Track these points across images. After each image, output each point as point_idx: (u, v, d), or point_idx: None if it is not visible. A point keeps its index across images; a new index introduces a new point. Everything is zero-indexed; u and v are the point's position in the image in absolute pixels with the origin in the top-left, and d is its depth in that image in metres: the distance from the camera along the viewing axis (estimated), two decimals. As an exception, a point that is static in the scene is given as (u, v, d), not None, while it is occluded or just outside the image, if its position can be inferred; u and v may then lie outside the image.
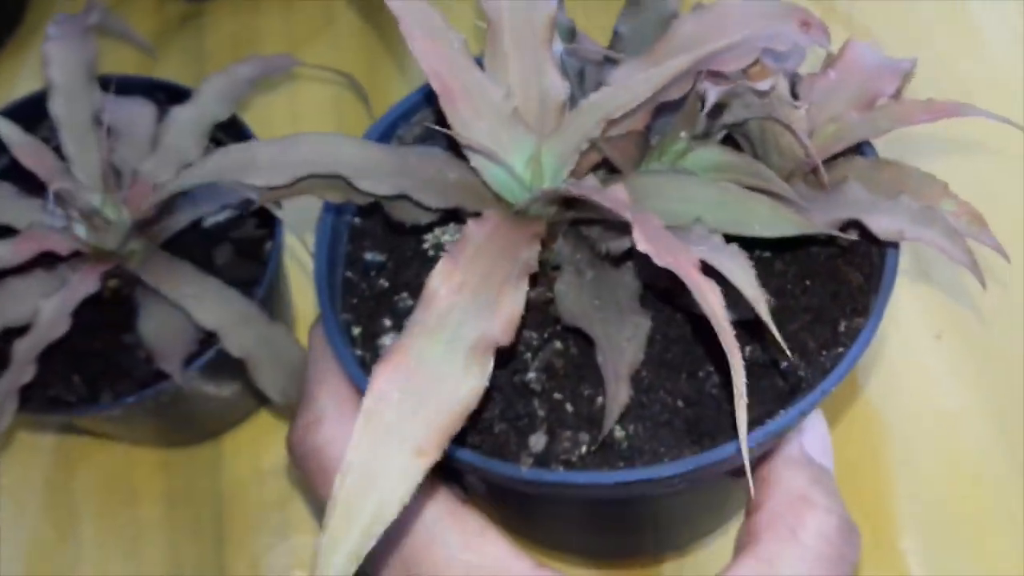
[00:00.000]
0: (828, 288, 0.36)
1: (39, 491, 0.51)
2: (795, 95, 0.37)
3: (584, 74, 0.38)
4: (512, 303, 0.28)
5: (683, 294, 0.29)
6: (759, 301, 0.27)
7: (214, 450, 0.52)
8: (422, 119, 0.41)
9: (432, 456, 0.25)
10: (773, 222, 0.30)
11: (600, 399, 0.35)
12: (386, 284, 0.40)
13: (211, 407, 0.49)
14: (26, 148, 0.42)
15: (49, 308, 0.40)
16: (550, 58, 0.33)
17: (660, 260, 0.26)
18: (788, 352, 0.29)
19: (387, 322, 0.40)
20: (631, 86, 0.30)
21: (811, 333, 0.35)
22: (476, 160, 0.32)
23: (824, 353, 0.34)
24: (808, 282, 0.36)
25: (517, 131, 0.32)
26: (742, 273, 0.28)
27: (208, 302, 0.40)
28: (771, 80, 0.31)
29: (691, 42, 0.33)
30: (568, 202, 0.32)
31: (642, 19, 0.38)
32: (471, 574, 0.33)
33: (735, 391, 0.25)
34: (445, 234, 0.40)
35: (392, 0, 0.30)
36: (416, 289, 0.40)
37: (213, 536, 0.50)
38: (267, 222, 0.47)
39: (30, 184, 0.44)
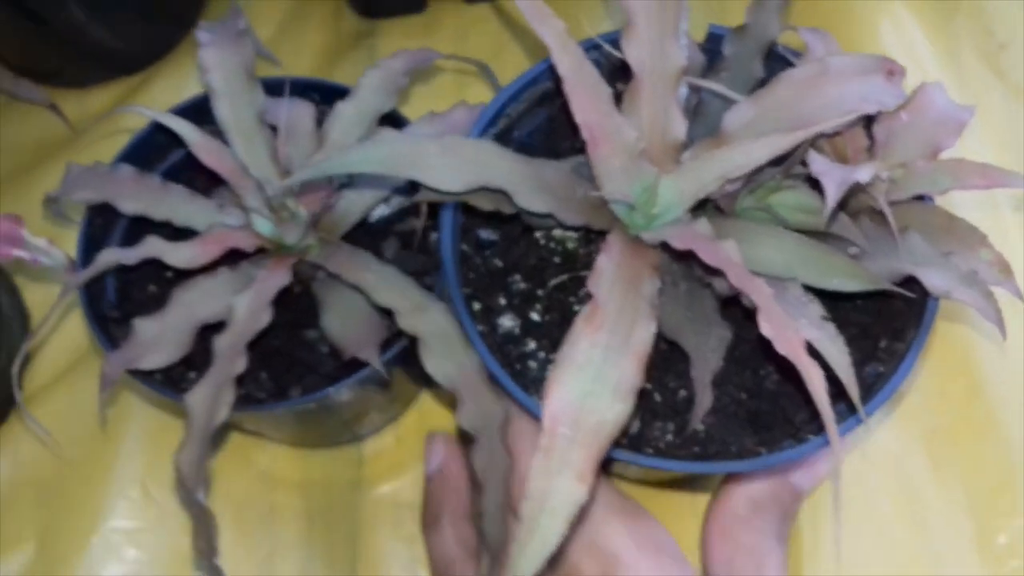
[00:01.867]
0: (872, 307, 0.42)
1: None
2: (870, 133, 0.41)
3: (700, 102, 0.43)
4: (642, 343, 0.34)
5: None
6: (851, 385, 0.34)
7: (355, 469, 0.54)
8: (529, 96, 0.46)
9: (589, 481, 0.31)
10: (850, 279, 0.36)
11: (682, 392, 0.42)
12: (499, 263, 0.44)
13: (368, 406, 0.51)
14: (205, 147, 0.43)
15: (243, 303, 0.41)
16: (676, 102, 0.39)
17: (781, 347, 0.32)
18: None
19: (502, 301, 0.43)
20: (751, 151, 0.36)
21: (856, 347, 0.39)
22: (608, 189, 0.39)
23: (866, 368, 0.40)
24: (857, 300, 0.41)
25: (642, 167, 0.39)
26: (840, 358, 0.35)
27: (387, 288, 0.42)
28: (872, 168, 0.35)
29: (796, 100, 0.39)
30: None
31: (745, 44, 0.43)
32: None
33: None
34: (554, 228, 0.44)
35: (561, 63, 0.36)
36: (527, 273, 0.44)
37: (346, 560, 0.52)
38: (421, 213, 0.46)
39: (193, 185, 0.46)
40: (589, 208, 0.40)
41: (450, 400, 0.52)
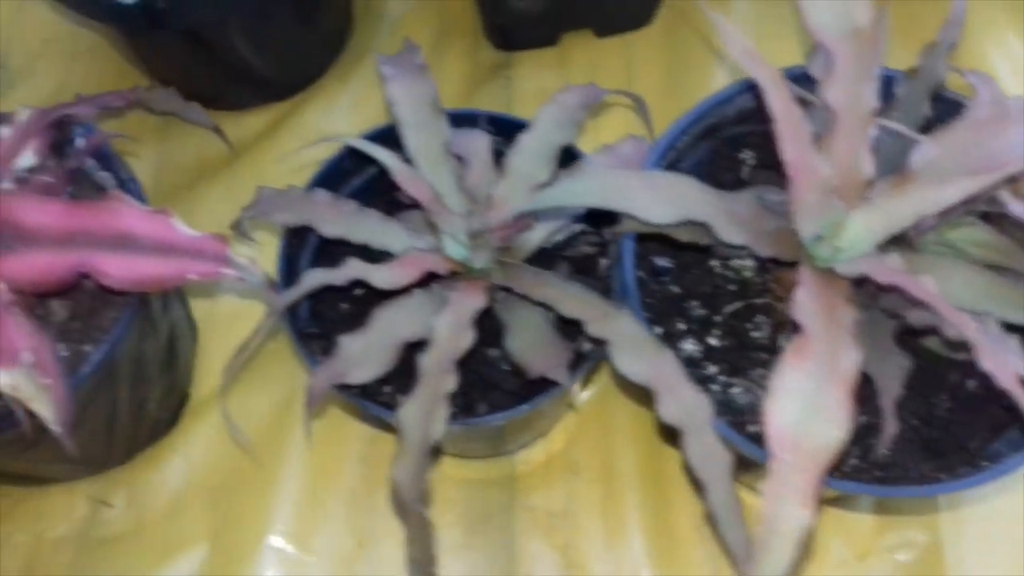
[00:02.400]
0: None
1: (344, 500, 0.56)
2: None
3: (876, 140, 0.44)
4: (848, 370, 0.36)
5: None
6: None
7: (508, 481, 0.56)
8: (693, 132, 0.49)
9: (812, 508, 0.34)
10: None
11: (862, 418, 0.44)
12: (676, 290, 0.47)
13: (535, 422, 0.53)
14: (405, 175, 0.46)
15: (444, 323, 0.43)
16: (866, 141, 0.42)
17: (1002, 382, 0.34)
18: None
19: (682, 326, 0.46)
20: (943, 192, 0.38)
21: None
22: (801, 223, 0.41)
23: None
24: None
25: (832, 202, 0.41)
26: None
27: (573, 300, 0.43)
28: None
29: (979, 141, 0.41)
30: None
31: (915, 86, 0.46)
32: None
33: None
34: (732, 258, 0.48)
35: (774, 105, 0.39)
36: (704, 299, 0.47)
37: (505, 564, 0.54)
38: (600, 242, 0.51)
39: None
40: (778, 240, 0.42)
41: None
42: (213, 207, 0.64)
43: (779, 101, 0.39)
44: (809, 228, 0.41)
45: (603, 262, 0.51)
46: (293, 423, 0.58)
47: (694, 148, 0.50)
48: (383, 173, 0.54)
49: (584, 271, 0.51)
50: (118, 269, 0.44)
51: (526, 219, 0.45)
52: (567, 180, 0.40)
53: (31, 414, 0.42)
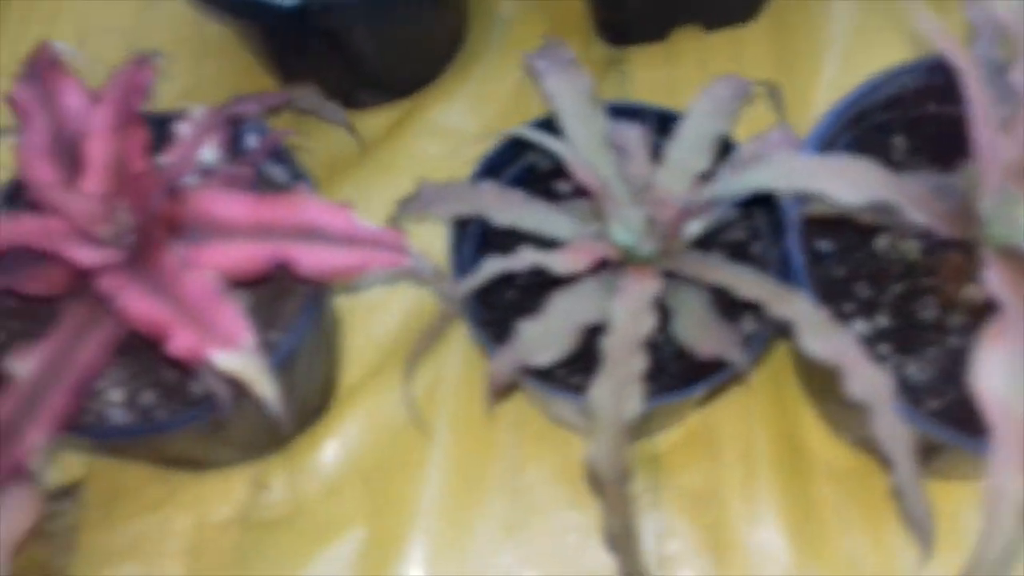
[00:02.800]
0: None
1: (494, 482, 0.57)
2: None
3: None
4: None
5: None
6: None
7: (653, 462, 0.57)
8: (842, 120, 0.51)
9: None
10: None
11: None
12: (841, 272, 0.49)
13: (687, 404, 0.55)
14: (578, 164, 0.48)
15: (621, 308, 0.45)
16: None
17: None
18: None
19: (849, 307, 0.48)
20: None
21: None
22: (984, 205, 0.43)
23: None
24: None
25: (1015, 182, 0.43)
26: None
27: (749, 283, 0.45)
28: None
29: None
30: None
31: None
32: None
33: None
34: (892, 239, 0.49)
35: (969, 87, 0.40)
36: (870, 281, 0.49)
37: (654, 547, 0.55)
38: (751, 227, 0.52)
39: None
40: (952, 221, 0.44)
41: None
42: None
43: (973, 84, 0.41)
44: (993, 208, 0.42)
45: (756, 246, 0.53)
46: (439, 408, 0.59)
47: (843, 135, 0.52)
48: (533, 166, 0.56)
49: (738, 256, 0.52)
50: (309, 259, 0.46)
51: (700, 206, 0.47)
52: (758, 167, 0.42)
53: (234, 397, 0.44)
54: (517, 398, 0.60)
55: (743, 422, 0.59)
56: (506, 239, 0.53)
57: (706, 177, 0.50)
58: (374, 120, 0.70)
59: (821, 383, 0.54)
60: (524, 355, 0.46)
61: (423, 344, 0.47)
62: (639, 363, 0.44)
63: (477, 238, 0.54)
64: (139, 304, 0.42)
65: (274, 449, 0.59)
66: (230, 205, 0.46)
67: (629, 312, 0.46)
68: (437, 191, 0.52)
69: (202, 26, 0.75)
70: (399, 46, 0.66)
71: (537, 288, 0.51)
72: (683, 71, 0.71)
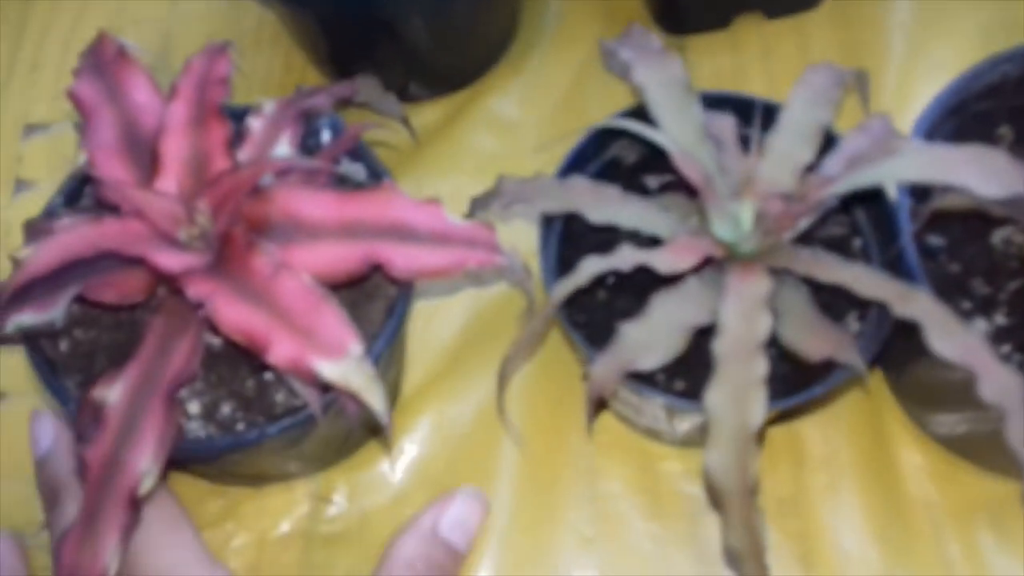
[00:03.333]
0: None
1: (564, 491, 0.55)
2: None
3: None
4: None
5: None
6: None
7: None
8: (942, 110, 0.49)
9: None
10: None
11: None
12: (955, 268, 0.46)
13: None
14: (683, 158, 0.45)
15: (731, 308, 0.43)
16: None
17: None
18: None
19: (967, 304, 0.46)
20: None
21: None
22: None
23: None
24: None
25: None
26: None
27: (868, 281, 0.42)
28: None
29: None
30: None
31: None
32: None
33: None
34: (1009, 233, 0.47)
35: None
36: (986, 277, 0.46)
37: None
38: (850, 222, 0.50)
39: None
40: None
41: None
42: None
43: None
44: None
45: (856, 241, 0.50)
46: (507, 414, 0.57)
47: (944, 125, 0.50)
48: (616, 160, 0.54)
49: (837, 251, 0.49)
50: (403, 260, 0.43)
51: (814, 201, 0.44)
52: (890, 158, 0.40)
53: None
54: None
55: (826, 425, 0.57)
56: (590, 237, 0.50)
57: (811, 169, 0.48)
58: (428, 113, 0.67)
59: (918, 382, 0.52)
60: (628, 359, 0.44)
61: (522, 349, 0.45)
62: (760, 367, 0.41)
63: (559, 236, 0.51)
64: (233, 312, 0.39)
65: (336, 460, 0.56)
66: (315, 203, 0.43)
67: (741, 312, 0.43)
68: (520, 187, 0.49)
69: (239, 17, 0.72)
70: (454, 37, 0.64)
71: (631, 288, 0.49)
72: (747, 59, 0.68)
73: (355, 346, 0.39)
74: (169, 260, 0.40)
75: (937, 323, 0.41)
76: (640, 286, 0.48)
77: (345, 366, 0.39)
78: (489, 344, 0.58)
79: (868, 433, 0.56)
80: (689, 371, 0.47)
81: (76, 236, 0.40)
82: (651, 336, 0.44)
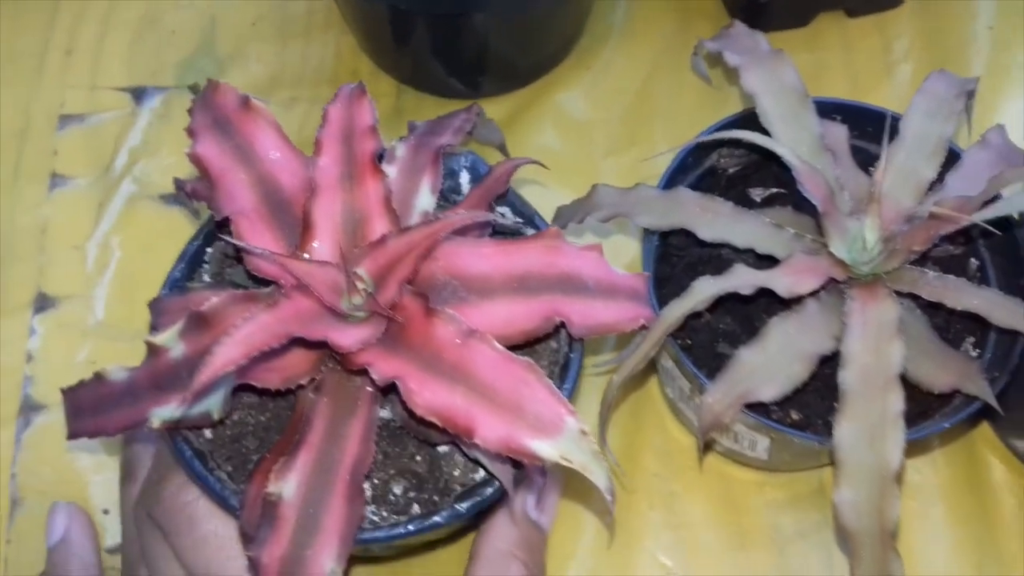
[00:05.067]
0: None
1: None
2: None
3: None
4: None
5: None
6: None
7: (818, 490, 0.52)
8: None
9: None
10: None
11: None
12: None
13: None
14: (807, 173, 0.42)
15: (858, 335, 0.40)
16: None
17: None
18: None
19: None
20: None
21: None
22: None
23: None
24: None
25: None
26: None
27: (1001, 309, 0.40)
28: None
29: None
30: None
31: None
32: None
33: None
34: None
35: None
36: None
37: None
38: (966, 240, 0.47)
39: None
40: None
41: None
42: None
43: None
44: None
45: (972, 263, 0.47)
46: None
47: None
48: (715, 169, 0.50)
49: (951, 273, 0.46)
50: (579, 316, 0.39)
51: (948, 223, 0.41)
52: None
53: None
54: (663, 422, 0.54)
55: (915, 449, 0.54)
56: (689, 253, 0.47)
57: (932, 187, 0.45)
58: (492, 110, 0.62)
59: (1020, 407, 0.49)
60: (746, 388, 0.41)
61: (630, 374, 0.41)
62: (895, 401, 0.39)
63: (656, 251, 0.48)
64: (427, 392, 0.35)
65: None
66: (479, 257, 0.39)
67: (869, 340, 0.40)
68: (620, 198, 0.46)
69: (285, 6, 0.68)
70: (521, 31, 0.60)
71: (734, 309, 0.46)
72: (827, 58, 0.65)
73: (572, 421, 0.35)
74: (345, 337, 0.36)
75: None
76: (746, 307, 0.45)
77: (564, 444, 0.34)
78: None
79: (961, 458, 0.53)
80: (803, 400, 0.44)
81: (259, 327, 0.35)
82: (769, 364, 0.41)
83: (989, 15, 0.66)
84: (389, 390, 0.38)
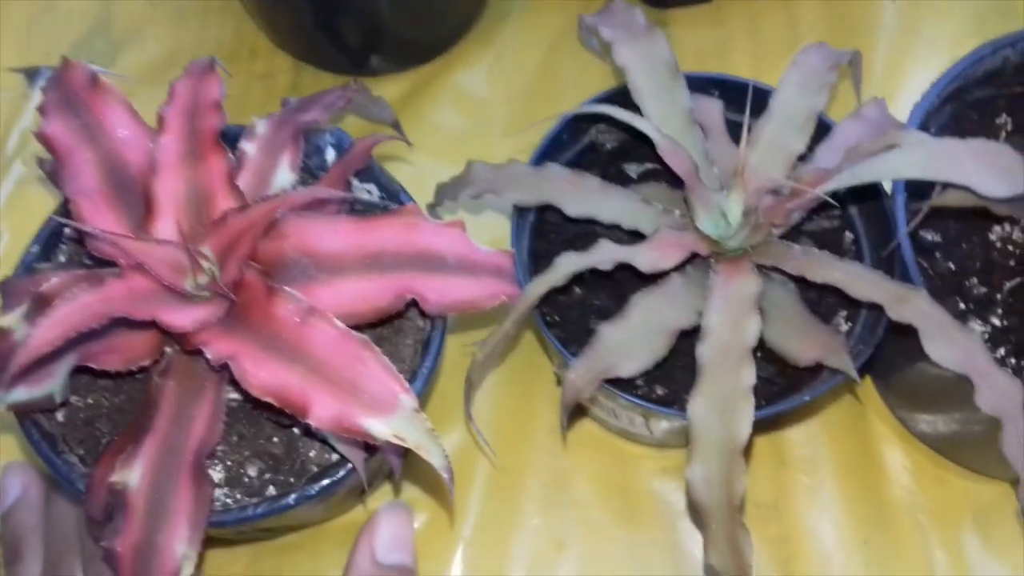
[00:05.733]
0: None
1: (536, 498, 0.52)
2: None
3: None
4: None
5: None
6: None
7: None
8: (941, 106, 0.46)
9: None
10: None
11: None
12: (950, 266, 0.44)
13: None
14: (669, 148, 0.41)
15: (717, 309, 0.40)
16: None
17: None
18: None
19: (961, 305, 0.43)
20: None
21: None
22: None
23: None
24: None
25: None
26: None
27: (863, 282, 0.40)
28: None
29: None
30: None
31: None
32: None
33: None
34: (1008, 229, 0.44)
35: None
36: (982, 276, 0.44)
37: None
38: (840, 215, 0.47)
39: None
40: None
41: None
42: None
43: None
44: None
45: (847, 236, 0.47)
46: (475, 417, 0.53)
47: (939, 112, 0.47)
48: (595, 145, 0.50)
49: (827, 247, 0.46)
50: (435, 294, 0.39)
51: (807, 195, 0.41)
52: (893, 153, 0.36)
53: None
54: (554, 399, 0.54)
55: (808, 425, 0.54)
56: (565, 229, 0.47)
57: (802, 159, 0.45)
58: (387, 88, 0.62)
59: (906, 382, 0.50)
60: (607, 365, 0.41)
61: (493, 353, 0.41)
62: (747, 375, 0.38)
63: (532, 228, 0.47)
64: (263, 371, 0.34)
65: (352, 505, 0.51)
66: (333, 234, 0.39)
67: (728, 314, 0.40)
68: (492, 174, 0.45)
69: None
70: (418, 6, 0.59)
71: (609, 284, 0.46)
72: (732, 35, 0.65)
73: (407, 398, 0.35)
74: (180, 317, 0.35)
75: (935, 328, 0.38)
76: (619, 282, 0.45)
77: (398, 422, 0.34)
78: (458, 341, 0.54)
79: (852, 433, 0.53)
80: (670, 375, 0.44)
81: (78, 307, 0.34)
82: (631, 339, 0.41)
83: (898, -10, 0.66)
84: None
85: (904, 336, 0.39)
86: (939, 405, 0.48)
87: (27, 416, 0.39)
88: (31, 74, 0.63)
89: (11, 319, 0.37)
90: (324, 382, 0.35)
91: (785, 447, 0.53)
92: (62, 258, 0.44)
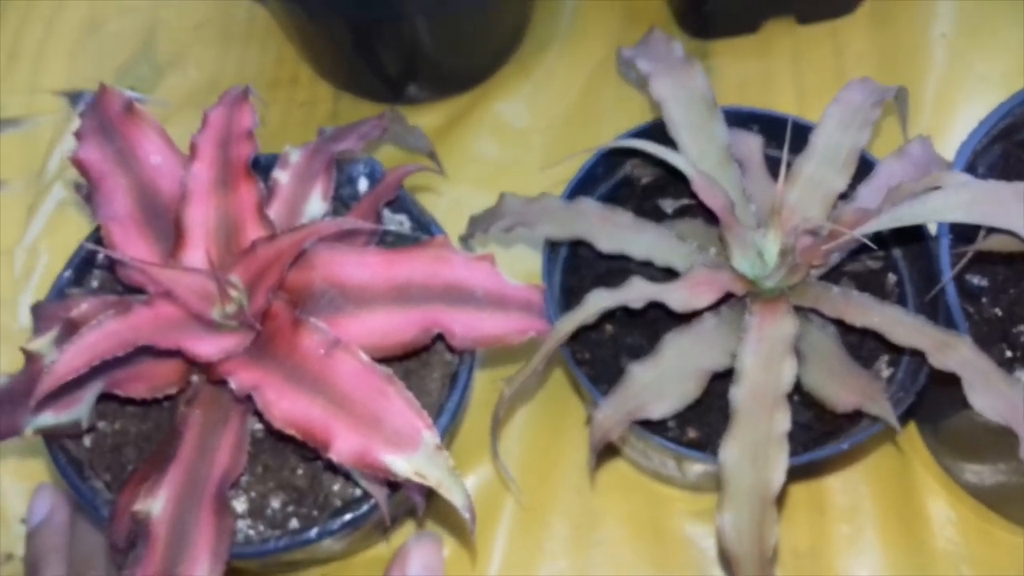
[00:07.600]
0: None
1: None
2: None
3: None
4: None
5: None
6: None
7: None
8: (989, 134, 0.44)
9: None
10: None
11: None
12: (997, 312, 0.42)
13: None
14: (703, 184, 0.41)
15: (751, 351, 0.39)
16: None
17: None
18: None
19: (1008, 352, 0.41)
20: None
21: None
22: None
23: None
24: None
25: None
26: None
27: (904, 327, 0.39)
28: None
29: None
30: None
31: None
32: None
33: None
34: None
35: None
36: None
37: None
38: (884, 256, 0.46)
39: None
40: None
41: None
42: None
43: None
44: None
45: (891, 278, 0.46)
46: (504, 456, 0.52)
47: (988, 151, 0.45)
48: (630, 179, 0.49)
49: (869, 289, 0.45)
50: (462, 327, 0.39)
51: (845, 237, 0.40)
52: (935, 194, 0.35)
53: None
54: (584, 438, 0.52)
55: (848, 471, 0.52)
56: (598, 264, 0.46)
57: (844, 197, 0.43)
58: (425, 117, 0.62)
59: (951, 430, 0.48)
60: (637, 405, 0.39)
61: (523, 389, 0.40)
62: (781, 421, 0.37)
63: (565, 262, 0.46)
64: (286, 403, 0.34)
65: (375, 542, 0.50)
66: (361, 266, 0.38)
67: (762, 357, 0.39)
68: (524, 207, 0.45)
69: (228, 7, 0.67)
70: (458, 36, 0.59)
71: (642, 322, 0.44)
72: (776, 66, 0.63)
73: (429, 435, 0.34)
74: (205, 346, 0.35)
75: (978, 377, 0.37)
76: (652, 320, 0.44)
77: (419, 459, 0.34)
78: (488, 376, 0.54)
79: (895, 481, 0.51)
80: (703, 417, 0.43)
81: (105, 334, 0.34)
82: (662, 380, 0.40)
83: (944, 23, 0.64)
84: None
85: (949, 383, 0.38)
86: (986, 455, 0.46)
87: (55, 441, 0.39)
88: (73, 98, 0.65)
89: (41, 343, 0.37)
90: (346, 415, 0.34)
91: (825, 494, 0.51)
92: (95, 283, 0.44)
